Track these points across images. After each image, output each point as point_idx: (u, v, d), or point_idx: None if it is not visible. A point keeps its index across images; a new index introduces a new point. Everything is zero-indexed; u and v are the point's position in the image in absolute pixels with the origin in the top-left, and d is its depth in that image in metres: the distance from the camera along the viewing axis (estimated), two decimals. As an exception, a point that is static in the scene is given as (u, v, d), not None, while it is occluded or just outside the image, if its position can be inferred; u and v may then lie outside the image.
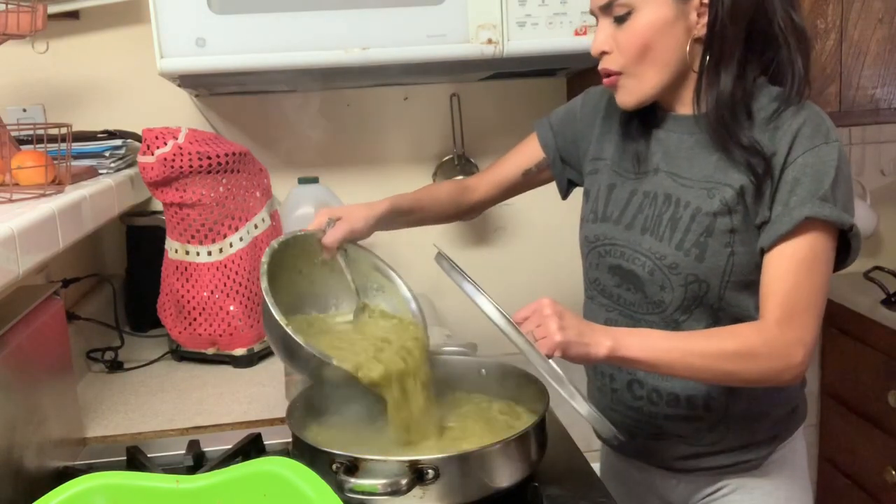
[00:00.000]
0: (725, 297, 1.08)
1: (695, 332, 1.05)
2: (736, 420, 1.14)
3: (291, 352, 1.06)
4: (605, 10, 1.07)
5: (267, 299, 1.06)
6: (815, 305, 1.02)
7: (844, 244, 1.05)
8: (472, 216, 1.41)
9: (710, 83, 1.05)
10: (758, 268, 1.06)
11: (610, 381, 1.20)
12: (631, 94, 1.09)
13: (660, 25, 1.04)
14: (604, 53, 1.09)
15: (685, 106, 1.11)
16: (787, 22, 1.05)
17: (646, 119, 1.16)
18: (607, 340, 0.97)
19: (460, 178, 1.93)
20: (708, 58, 1.04)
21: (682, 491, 1.23)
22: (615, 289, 1.16)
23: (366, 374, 1.05)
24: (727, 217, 1.05)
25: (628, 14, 1.05)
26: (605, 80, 1.11)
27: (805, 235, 1.00)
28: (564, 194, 1.33)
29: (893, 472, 1.91)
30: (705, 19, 1.03)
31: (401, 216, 1.27)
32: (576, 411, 0.96)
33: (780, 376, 1.01)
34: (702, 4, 1.03)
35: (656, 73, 1.07)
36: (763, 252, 1.04)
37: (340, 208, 1.22)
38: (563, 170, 1.30)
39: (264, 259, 1.11)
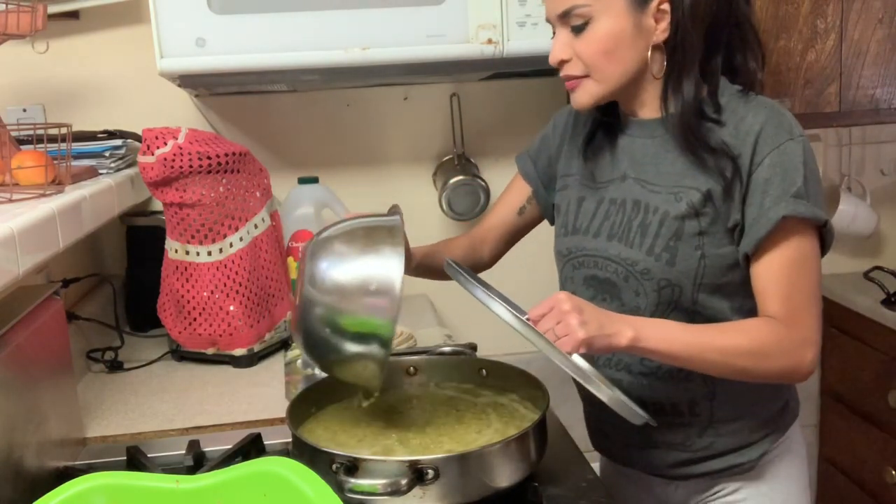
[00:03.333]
0: (699, 301, 1.08)
1: (710, 327, 1.04)
2: (724, 423, 1.14)
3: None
4: (562, 18, 1.07)
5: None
6: (815, 303, 1.03)
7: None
8: (485, 268, 1.37)
9: (674, 89, 1.06)
10: (730, 270, 1.07)
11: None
12: (590, 94, 1.09)
13: (618, 34, 1.04)
14: (563, 62, 1.09)
15: (647, 110, 1.11)
16: (744, 21, 1.06)
17: (609, 128, 1.16)
18: (629, 331, 0.97)
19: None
20: (671, 66, 1.05)
21: (679, 495, 1.23)
22: (590, 302, 1.15)
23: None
24: (695, 220, 1.05)
25: (586, 24, 1.04)
26: (567, 84, 1.10)
27: (787, 235, 1.01)
28: (552, 220, 1.30)
29: (893, 472, 1.91)
30: (663, 24, 1.04)
31: (423, 264, 1.24)
32: (603, 401, 0.96)
33: (793, 375, 1.04)
34: (658, 10, 1.03)
35: (618, 76, 1.07)
36: (748, 258, 1.04)
37: None
38: (547, 196, 1.29)
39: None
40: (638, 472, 1.25)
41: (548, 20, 1.11)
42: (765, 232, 1.01)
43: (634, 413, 0.98)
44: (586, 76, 1.07)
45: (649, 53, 1.05)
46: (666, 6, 1.03)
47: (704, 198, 1.05)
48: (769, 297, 1.03)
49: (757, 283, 1.04)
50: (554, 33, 1.11)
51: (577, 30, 1.05)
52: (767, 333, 1.02)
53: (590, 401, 1.25)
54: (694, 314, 1.08)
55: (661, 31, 1.04)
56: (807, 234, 1.02)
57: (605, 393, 0.96)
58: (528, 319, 0.98)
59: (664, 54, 1.06)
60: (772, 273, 1.02)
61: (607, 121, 1.16)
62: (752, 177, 1.02)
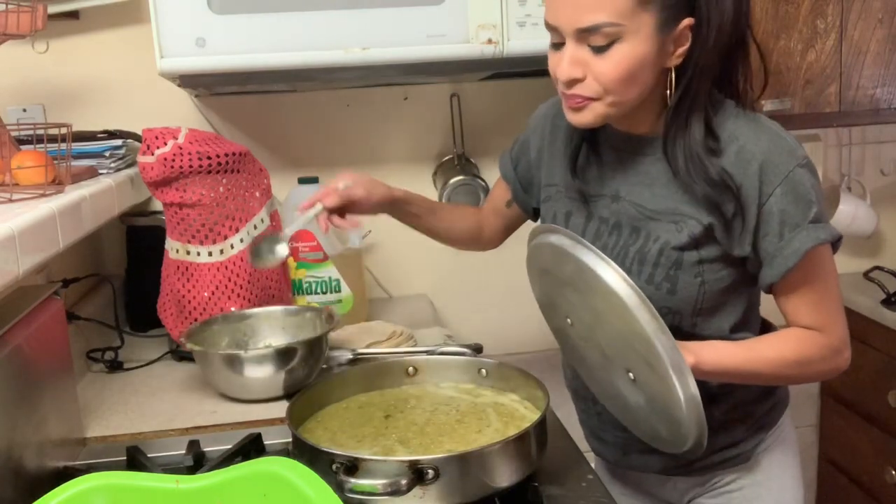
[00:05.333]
0: (698, 324, 1.08)
1: (756, 341, 1.08)
2: (719, 425, 1.14)
3: None
4: (581, 34, 0.97)
5: None
6: (840, 307, 1.08)
7: None
8: (488, 247, 1.40)
9: (684, 118, 1.01)
10: (727, 291, 1.07)
11: (593, 404, 1.20)
12: (598, 116, 1.02)
13: (643, 57, 0.97)
14: (575, 81, 1.00)
15: (641, 126, 1.08)
16: (746, 42, 1.04)
17: (592, 138, 1.13)
18: (689, 357, 0.97)
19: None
20: (684, 92, 1.00)
21: (678, 491, 1.24)
22: None
23: None
24: (694, 250, 1.05)
25: (610, 44, 0.96)
26: (571, 103, 1.02)
27: (810, 260, 1.02)
28: (534, 220, 1.30)
29: (893, 472, 1.91)
30: (682, 49, 0.99)
31: (411, 212, 1.29)
32: (680, 405, 0.94)
33: (832, 374, 1.10)
34: (682, 34, 0.98)
35: (633, 101, 1.01)
36: (772, 284, 1.05)
37: (362, 177, 1.26)
38: (525, 199, 1.29)
39: None
40: (637, 473, 1.25)
41: (551, 28, 1.01)
42: (793, 263, 1.01)
43: (701, 424, 0.95)
44: (597, 100, 1.01)
45: (672, 76, 1.01)
46: (688, 32, 0.98)
47: (706, 230, 1.03)
48: (800, 313, 1.06)
49: (785, 303, 1.06)
50: (554, 43, 1.02)
51: (599, 49, 0.97)
52: (808, 342, 1.06)
53: (584, 410, 1.26)
54: (692, 337, 1.07)
55: (678, 55, 0.99)
56: (825, 252, 1.04)
57: (689, 391, 0.93)
58: None
59: (670, 78, 1.01)
60: (800, 294, 1.05)
61: (592, 133, 1.12)
62: (764, 208, 1.00)
